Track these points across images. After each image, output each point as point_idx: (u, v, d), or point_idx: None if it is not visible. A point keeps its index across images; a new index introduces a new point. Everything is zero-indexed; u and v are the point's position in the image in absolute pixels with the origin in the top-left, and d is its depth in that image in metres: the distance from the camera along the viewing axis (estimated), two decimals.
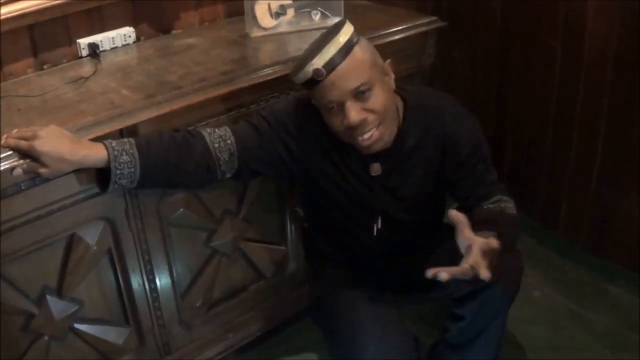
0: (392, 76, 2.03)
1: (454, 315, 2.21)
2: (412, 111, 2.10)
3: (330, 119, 1.98)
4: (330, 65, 1.88)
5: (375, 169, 2.11)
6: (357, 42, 1.93)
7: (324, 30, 1.99)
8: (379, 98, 1.94)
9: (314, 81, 1.91)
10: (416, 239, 2.29)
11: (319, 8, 2.63)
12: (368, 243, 2.24)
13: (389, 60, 2.04)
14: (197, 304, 2.45)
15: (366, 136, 1.97)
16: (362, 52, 1.93)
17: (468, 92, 3.32)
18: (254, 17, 2.56)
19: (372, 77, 1.92)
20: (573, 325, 2.83)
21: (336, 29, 1.92)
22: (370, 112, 1.93)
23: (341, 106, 1.92)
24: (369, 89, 1.91)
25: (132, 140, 1.93)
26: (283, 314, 2.71)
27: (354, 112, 1.91)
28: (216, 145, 2.03)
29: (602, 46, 2.73)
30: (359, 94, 1.91)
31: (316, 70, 1.88)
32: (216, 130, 2.05)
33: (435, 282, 2.24)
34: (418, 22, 2.60)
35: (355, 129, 1.94)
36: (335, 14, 2.63)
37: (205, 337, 2.52)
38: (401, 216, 2.20)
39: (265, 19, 2.57)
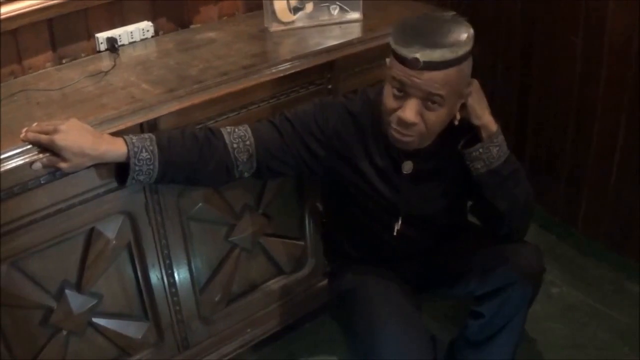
0: (466, 99, 1.96)
1: (474, 312, 2.22)
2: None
3: (388, 95, 1.92)
4: (430, 66, 1.80)
5: (407, 167, 2.09)
6: (465, 60, 1.85)
7: (449, 20, 1.93)
8: (439, 117, 1.90)
9: (404, 64, 1.84)
10: (438, 238, 2.29)
11: (338, 2, 2.61)
12: (389, 242, 2.24)
13: (471, 90, 1.96)
14: (216, 299, 2.44)
15: (399, 135, 1.95)
16: (460, 73, 1.85)
17: (489, 88, 3.28)
18: (273, 12, 2.55)
19: (449, 98, 1.86)
20: (593, 323, 2.82)
21: (462, 34, 1.84)
22: (423, 121, 1.89)
23: (405, 96, 1.87)
24: (439, 104, 1.86)
25: (153, 136, 1.93)
26: (302, 309, 2.71)
27: (411, 112, 1.86)
28: (235, 146, 2.02)
29: (623, 42, 2.71)
30: (428, 101, 1.86)
31: (415, 61, 1.80)
32: (236, 130, 2.04)
33: (457, 279, 2.25)
34: None
35: (401, 123, 1.90)
36: (354, 9, 2.61)
37: (224, 332, 2.51)
38: (424, 216, 2.19)
39: (284, 14, 2.56)
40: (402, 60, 1.83)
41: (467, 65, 1.89)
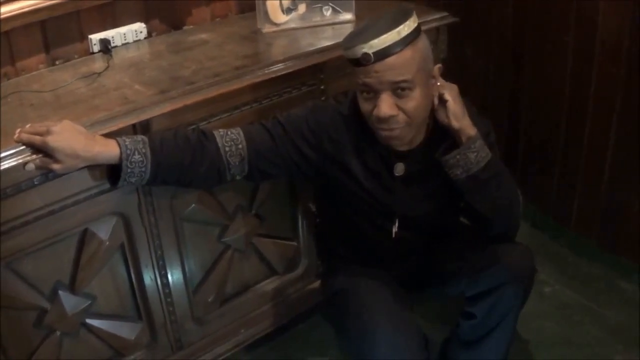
0: (438, 81, 1.99)
1: (466, 313, 2.22)
2: None
3: (361, 102, 1.96)
4: (381, 55, 1.84)
5: (399, 169, 2.10)
6: (415, 39, 1.89)
7: (390, 12, 1.94)
8: (415, 101, 1.91)
9: (359, 64, 1.88)
10: (433, 240, 2.30)
11: (330, 3, 2.62)
12: (385, 245, 2.24)
13: (439, 65, 2.01)
14: (210, 300, 2.44)
15: (387, 134, 1.97)
16: (416, 51, 1.89)
17: (480, 88, 3.31)
18: (266, 13, 2.55)
19: (417, 78, 1.89)
20: (586, 321, 2.83)
21: (402, 18, 1.87)
22: (402, 111, 1.91)
23: (376, 94, 1.90)
24: (409, 89, 1.88)
25: (145, 139, 1.93)
26: (295, 310, 2.71)
27: (386, 106, 1.89)
28: (227, 149, 2.02)
29: (614, 41, 2.72)
30: (398, 90, 1.88)
31: (365, 55, 1.84)
32: (229, 132, 2.04)
33: (449, 279, 2.26)
34: (429, 18, 2.58)
35: (381, 121, 1.92)
36: (346, 10, 2.62)
37: (218, 333, 2.51)
38: (419, 219, 2.19)
39: (276, 15, 2.56)
40: (357, 62, 1.88)
41: (421, 43, 1.92)
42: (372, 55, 1.84)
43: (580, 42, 2.87)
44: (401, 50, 1.85)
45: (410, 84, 1.88)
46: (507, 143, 3.32)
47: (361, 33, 1.89)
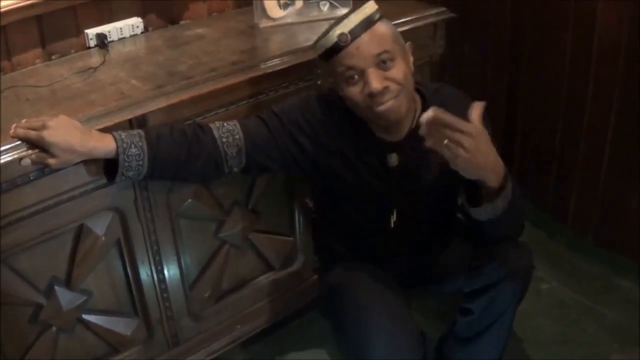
0: (411, 58, 2.03)
1: (463, 309, 2.21)
2: (430, 102, 2.07)
3: (348, 89, 1.96)
4: (356, 32, 1.89)
5: (393, 159, 2.09)
6: (381, 17, 1.95)
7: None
8: (400, 69, 1.94)
9: (337, 48, 1.91)
10: (430, 235, 2.29)
11: None
12: (383, 240, 2.24)
13: (409, 43, 2.04)
14: (206, 295, 2.44)
15: (383, 107, 1.95)
16: (386, 25, 1.96)
17: (478, 85, 3.31)
18: (263, 8, 2.55)
19: (395, 49, 1.93)
20: (583, 319, 2.82)
21: (361, 4, 1.94)
22: (392, 81, 1.92)
23: (362, 74, 1.92)
24: (391, 59, 1.92)
25: (142, 132, 1.93)
26: (292, 305, 2.71)
27: (376, 79, 1.90)
28: (224, 140, 2.02)
29: (613, 39, 2.72)
30: (381, 63, 1.91)
31: (342, 35, 1.89)
32: (225, 124, 2.04)
33: (446, 276, 2.25)
34: (427, 14, 2.59)
35: (375, 97, 1.92)
36: (343, 5, 2.61)
37: (214, 329, 2.51)
38: (417, 211, 2.19)
39: (273, 10, 2.56)
40: (336, 49, 1.93)
41: (387, 22, 2.00)
42: (348, 34, 1.89)
43: (578, 41, 2.87)
44: (373, 24, 1.92)
45: (391, 54, 1.92)
46: (504, 140, 3.31)
47: (329, 26, 1.95)
